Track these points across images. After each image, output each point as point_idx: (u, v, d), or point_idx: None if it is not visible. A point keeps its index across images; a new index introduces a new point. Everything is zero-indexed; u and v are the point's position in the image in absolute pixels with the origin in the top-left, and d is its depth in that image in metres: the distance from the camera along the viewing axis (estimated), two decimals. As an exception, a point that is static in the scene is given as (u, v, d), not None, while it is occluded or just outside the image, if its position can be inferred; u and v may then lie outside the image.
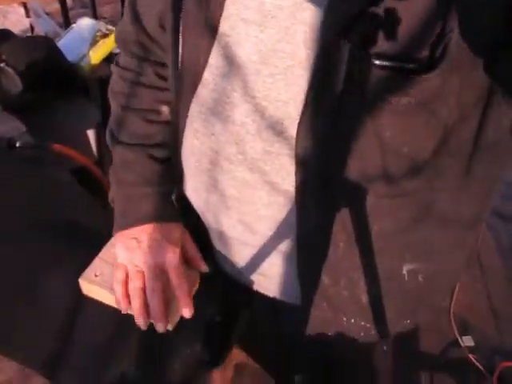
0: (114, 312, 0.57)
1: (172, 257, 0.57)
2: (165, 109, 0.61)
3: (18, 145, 0.91)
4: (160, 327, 0.55)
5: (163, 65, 0.59)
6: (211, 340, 0.58)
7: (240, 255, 0.58)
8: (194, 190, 0.58)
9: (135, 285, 0.56)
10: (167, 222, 0.59)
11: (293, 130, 0.44)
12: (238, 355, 0.60)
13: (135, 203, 0.59)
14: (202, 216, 0.60)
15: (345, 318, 0.58)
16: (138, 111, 0.61)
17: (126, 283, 0.57)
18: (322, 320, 0.59)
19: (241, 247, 0.57)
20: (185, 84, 0.51)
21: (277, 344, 0.75)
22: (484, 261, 2.04)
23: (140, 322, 0.55)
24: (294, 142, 0.45)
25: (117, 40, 0.63)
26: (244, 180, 0.50)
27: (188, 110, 0.52)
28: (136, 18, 0.57)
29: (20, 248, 0.67)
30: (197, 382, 0.56)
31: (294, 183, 0.47)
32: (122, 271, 0.57)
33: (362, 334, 0.60)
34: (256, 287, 0.61)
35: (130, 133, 0.61)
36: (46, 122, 1.21)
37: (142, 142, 0.60)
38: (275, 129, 0.46)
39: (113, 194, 0.62)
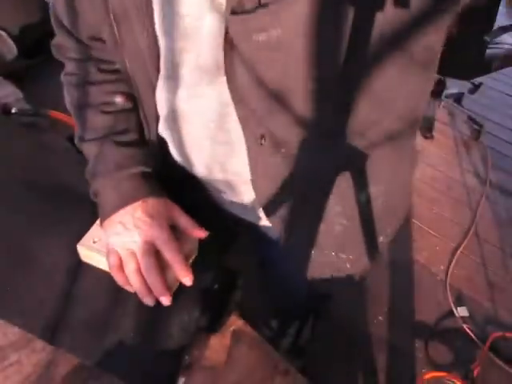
0: (111, 279, 0.58)
1: (159, 232, 0.57)
2: (119, 99, 0.62)
3: (14, 111, 0.90)
4: (164, 301, 0.56)
5: (104, 61, 0.61)
6: (209, 307, 0.59)
7: (249, 192, 0.60)
8: (196, 147, 0.58)
9: (130, 268, 0.56)
10: (148, 199, 0.59)
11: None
12: (235, 322, 0.61)
13: (112, 190, 0.60)
14: (204, 171, 0.60)
15: (326, 252, 0.63)
16: (91, 107, 0.62)
17: (121, 268, 0.57)
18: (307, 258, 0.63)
19: (249, 186, 0.58)
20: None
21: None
22: (481, 233, 2.05)
23: (147, 301, 0.56)
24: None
25: (54, 53, 0.64)
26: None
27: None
28: (68, 33, 0.59)
29: (18, 212, 0.67)
30: (195, 348, 0.57)
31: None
32: (115, 256, 0.57)
33: (349, 266, 0.63)
34: (263, 221, 0.65)
35: (91, 129, 0.62)
36: (43, 88, 1.19)
37: (104, 133, 0.61)
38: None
39: (92, 189, 0.62)
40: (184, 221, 0.61)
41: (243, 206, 0.66)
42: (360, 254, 0.64)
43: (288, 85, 0.44)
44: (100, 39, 0.57)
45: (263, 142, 0.49)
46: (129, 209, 0.58)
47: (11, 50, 1.19)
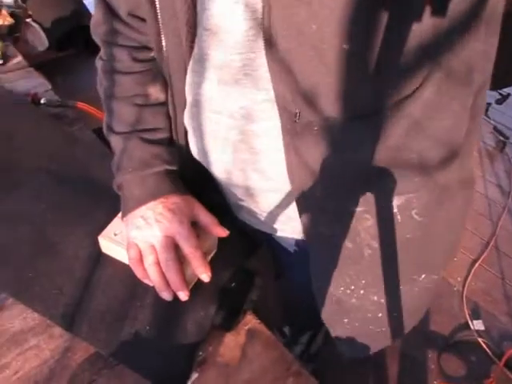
0: (130, 271, 0.59)
1: (179, 227, 0.57)
2: (152, 90, 0.62)
3: (42, 101, 0.91)
4: (182, 296, 0.57)
5: (138, 48, 0.60)
6: (225, 304, 0.59)
7: (267, 202, 0.60)
8: (220, 154, 0.58)
9: (149, 261, 0.57)
10: (170, 196, 0.60)
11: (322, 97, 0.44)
12: (250, 321, 0.61)
13: (135, 186, 0.60)
14: (225, 176, 0.60)
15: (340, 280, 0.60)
16: (122, 98, 0.62)
17: (140, 261, 0.58)
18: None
19: (269, 194, 0.58)
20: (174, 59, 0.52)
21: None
22: (501, 247, 2.01)
23: (164, 295, 0.57)
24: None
25: (93, 34, 0.63)
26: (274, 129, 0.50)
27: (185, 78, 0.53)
28: (107, 8, 0.58)
29: (41, 201, 0.68)
30: (209, 345, 0.58)
31: None
32: (135, 249, 0.58)
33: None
34: (279, 232, 0.65)
35: (121, 122, 0.62)
36: (71, 80, 1.21)
37: (134, 128, 0.61)
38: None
39: (116, 182, 0.63)
40: (205, 218, 0.61)
41: (261, 216, 0.65)
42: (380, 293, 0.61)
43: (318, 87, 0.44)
44: (138, 17, 0.56)
45: (297, 119, 0.47)
46: (151, 204, 0.59)
47: (43, 42, 1.21)
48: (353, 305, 0.62)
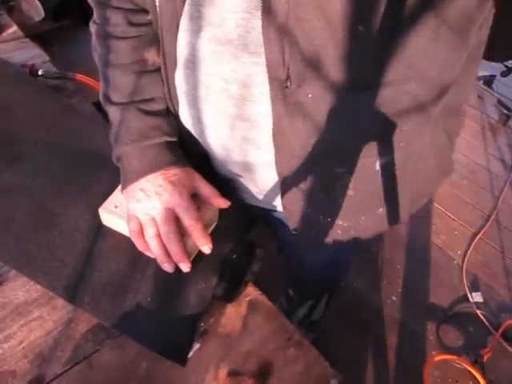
0: (131, 243, 0.59)
1: (180, 199, 0.57)
2: (148, 55, 0.60)
3: (40, 73, 0.90)
4: (184, 268, 0.57)
5: (134, 11, 0.58)
6: (226, 276, 0.59)
7: (266, 177, 0.59)
8: (215, 125, 0.57)
9: (150, 233, 0.57)
10: (170, 168, 0.59)
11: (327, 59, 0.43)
12: (252, 292, 0.61)
13: (134, 158, 0.59)
14: (221, 151, 0.59)
15: (321, 217, 0.60)
16: (120, 67, 0.60)
17: (141, 233, 0.58)
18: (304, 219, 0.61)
19: (267, 169, 0.57)
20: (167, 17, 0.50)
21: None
22: (502, 220, 2.02)
23: (166, 267, 0.57)
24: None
25: None
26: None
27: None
28: None
29: (42, 174, 0.68)
30: (210, 316, 0.58)
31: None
32: (135, 222, 0.58)
33: (340, 232, 0.62)
34: (278, 208, 0.64)
35: (118, 91, 0.60)
36: (69, 52, 1.19)
37: (132, 99, 0.60)
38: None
39: (115, 154, 0.62)
40: (206, 190, 0.61)
41: (259, 193, 0.65)
42: (356, 223, 0.62)
43: (322, 40, 0.43)
44: None
45: (288, 84, 0.46)
46: (150, 177, 0.58)
47: (38, 11, 1.18)
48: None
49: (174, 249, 0.56)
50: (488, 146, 2.49)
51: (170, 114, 0.62)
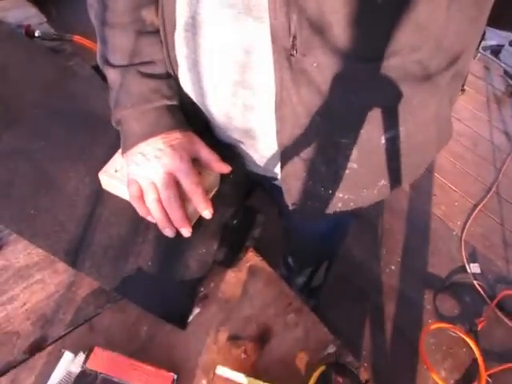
0: (132, 208, 0.58)
1: (180, 164, 0.56)
2: (147, 14, 0.57)
3: (37, 34, 0.87)
4: (184, 232, 0.56)
5: None
6: (227, 242, 0.59)
7: (267, 145, 0.58)
8: (217, 91, 0.55)
9: (150, 198, 0.56)
10: (170, 132, 0.58)
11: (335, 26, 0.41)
12: (252, 258, 0.62)
13: (134, 121, 0.58)
14: (222, 117, 0.58)
15: (322, 189, 0.59)
16: (117, 26, 0.57)
17: (141, 198, 0.57)
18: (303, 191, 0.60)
19: (269, 137, 0.56)
20: None
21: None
22: (502, 193, 2.02)
23: (167, 232, 0.57)
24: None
25: None
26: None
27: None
28: None
29: (41, 138, 0.67)
30: (211, 281, 0.59)
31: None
32: (135, 187, 0.57)
33: (340, 205, 0.61)
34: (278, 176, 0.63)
35: (117, 53, 0.58)
36: (66, 13, 1.15)
37: (131, 61, 0.58)
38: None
39: (114, 118, 0.60)
40: (207, 155, 0.60)
41: (260, 161, 0.64)
42: (357, 196, 0.61)
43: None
44: None
45: (294, 53, 0.44)
46: (150, 141, 0.57)
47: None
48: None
49: (175, 214, 0.56)
50: (492, 117, 2.46)
51: (171, 77, 0.61)
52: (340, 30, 0.42)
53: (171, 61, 0.58)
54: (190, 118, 0.62)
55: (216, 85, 0.54)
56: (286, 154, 0.56)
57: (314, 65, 0.45)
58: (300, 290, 1.09)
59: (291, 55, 0.45)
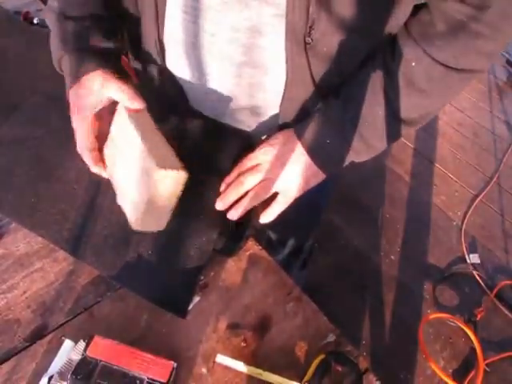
0: None
1: (79, 124, 0.56)
2: None
3: (35, 21, 0.87)
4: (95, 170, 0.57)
5: None
6: (227, 230, 0.59)
7: (269, 116, 0.60)
8: (220, 72, 0.56)
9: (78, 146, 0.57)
10: (83, 79, 0.54)
11: None
12: (252, 247, 0.62)
13: (59, 63, 0.57)
14: (225, 97, 0.58)
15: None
16: None
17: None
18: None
19: (272, 109, 0.58)
20: None
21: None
22: (503, 183, 2.01)
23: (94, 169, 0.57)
24: None
25: None
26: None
27: None
28: None
29: (40, 125, 0.66)
30: (211, 270, 0.59)
31: None
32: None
33: None
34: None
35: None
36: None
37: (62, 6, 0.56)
38: None
39: (54, 59, 0.59)
40: (117, 94, 0.55)
41: (262, 135, 0.64)
42: None
43: None
44: None
45: (307, 37, 0.47)
46: (72, 89, 0.55)
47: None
48: None
49: (88, 161, 0.56)
50: (494, 107, 2.45)
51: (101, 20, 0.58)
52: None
53: (159, 44, 0.57)
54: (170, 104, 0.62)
55: (220, 67, 0.54)
56: (285, 123, 0.59)
57: (324, 49, 0.48)
58: (287, 264, 1.08)
59: (306, 43, 0.48)
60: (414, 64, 0.49)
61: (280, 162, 0.56)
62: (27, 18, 0.85)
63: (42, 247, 0.59)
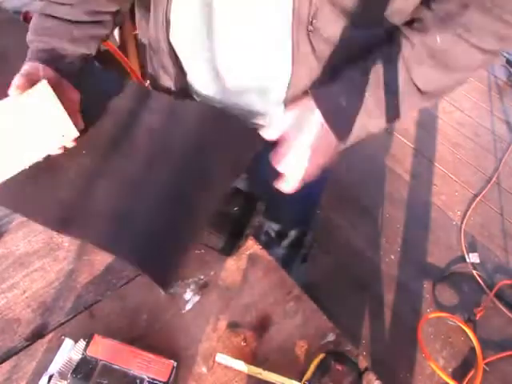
0: (130, 184, 0.58)
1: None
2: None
3: (36, 21, 0.86)
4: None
5: None
6: (227, 229, 0.59)
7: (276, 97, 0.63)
8: (230, 55, 0.60)
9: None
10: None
11: None
12: (252, 246, 0.62)
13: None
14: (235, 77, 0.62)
15: None
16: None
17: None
18: None
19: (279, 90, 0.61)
20: None
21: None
22: (503, 183, 2.01)
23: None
24: None
25: None
26: None
27: None
28: None
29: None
30: (211, 269, 0.59)
31: None
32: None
33: None
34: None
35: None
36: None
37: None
38: None
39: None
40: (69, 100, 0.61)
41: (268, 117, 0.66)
42: None
43: None
44: None
45: (309, 26, 0.52)
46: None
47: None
48: None
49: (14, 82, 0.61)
50: (494, 107, 2.45)
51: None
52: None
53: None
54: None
55: (231, 50, 0.59)
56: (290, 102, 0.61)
57: (325, 36, 0.53)
58: (287, 259, 1.08)
59: (309, 31, 0.52)
60: (438, 39, 0.52)
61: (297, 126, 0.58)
62: (27, 18, 0.85)
63: (42, 246, 0.59)
